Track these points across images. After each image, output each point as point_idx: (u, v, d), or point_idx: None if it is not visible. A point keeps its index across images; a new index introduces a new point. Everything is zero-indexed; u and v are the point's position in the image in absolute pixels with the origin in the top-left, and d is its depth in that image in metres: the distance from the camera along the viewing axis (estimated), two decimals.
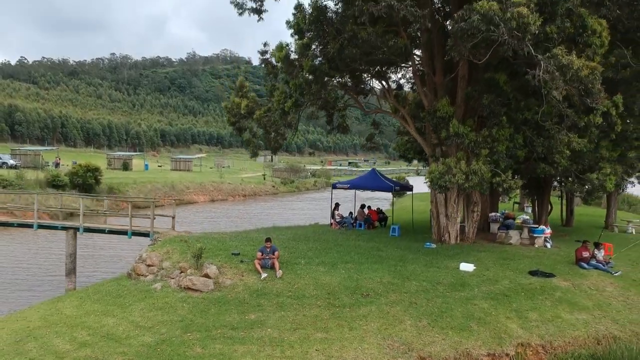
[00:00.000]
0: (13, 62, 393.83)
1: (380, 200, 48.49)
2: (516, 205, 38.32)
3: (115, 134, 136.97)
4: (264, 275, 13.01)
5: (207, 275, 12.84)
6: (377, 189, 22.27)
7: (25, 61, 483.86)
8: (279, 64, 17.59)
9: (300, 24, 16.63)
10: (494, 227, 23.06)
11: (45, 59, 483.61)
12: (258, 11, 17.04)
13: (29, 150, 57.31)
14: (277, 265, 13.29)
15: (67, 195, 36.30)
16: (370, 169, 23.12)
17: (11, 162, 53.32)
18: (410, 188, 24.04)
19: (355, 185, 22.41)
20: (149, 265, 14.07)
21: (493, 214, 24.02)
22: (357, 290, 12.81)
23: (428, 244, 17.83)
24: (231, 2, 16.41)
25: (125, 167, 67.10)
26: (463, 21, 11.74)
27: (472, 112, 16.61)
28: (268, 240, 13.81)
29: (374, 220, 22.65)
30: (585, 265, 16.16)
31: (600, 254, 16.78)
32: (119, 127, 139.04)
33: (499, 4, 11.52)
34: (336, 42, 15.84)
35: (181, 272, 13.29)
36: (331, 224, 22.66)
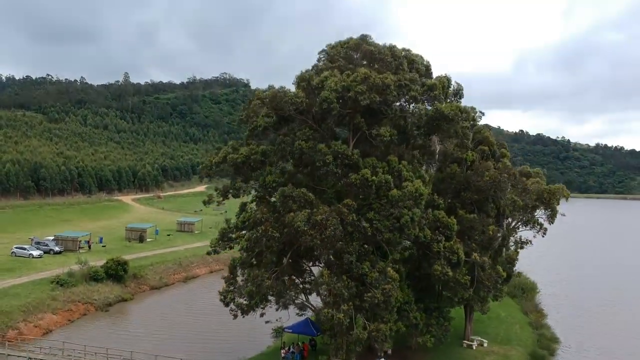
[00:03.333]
0: (17, 77, 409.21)
1: None
2: None
3: (124, 178, 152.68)
4: None
5: None
6: (307, 334, 38.29)
7: (30, 78, 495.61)
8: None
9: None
10: None
11: (49, 76, 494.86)
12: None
13: (69, 236, 72.95)
14: None
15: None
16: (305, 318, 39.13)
17: (56, 248, 69.11)
18: None
19: (295, 330, 38.47)
20: None
21: None
22: None
23: None
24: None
25: (141, 239, 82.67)
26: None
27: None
28: None
29: (306, 351, 38.62)
30: None
31: None
32: (127, 171, 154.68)
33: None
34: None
35: None
36: (282, 350, 38.70)
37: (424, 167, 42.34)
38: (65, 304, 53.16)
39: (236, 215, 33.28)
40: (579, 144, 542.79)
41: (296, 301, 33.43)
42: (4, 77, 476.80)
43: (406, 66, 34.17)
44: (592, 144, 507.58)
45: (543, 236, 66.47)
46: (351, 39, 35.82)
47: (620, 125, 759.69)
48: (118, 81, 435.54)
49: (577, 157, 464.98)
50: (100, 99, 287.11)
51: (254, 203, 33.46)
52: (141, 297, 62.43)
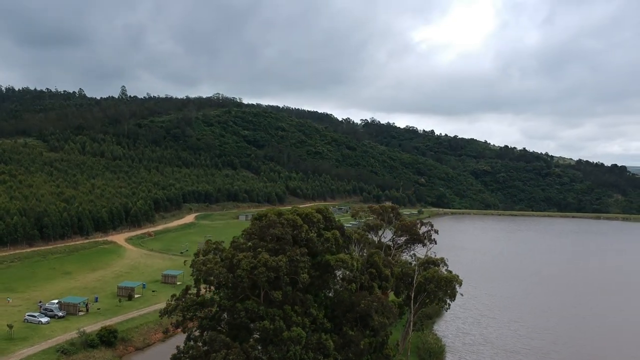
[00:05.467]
0: (17, 87, 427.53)
1: None
2: None
3: (116, 217, 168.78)
4: None
5: None
6: None
7: (28, 89, 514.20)
8: None
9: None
10: None
11: (48, 90, 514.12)
12: None
13: (70, 302, 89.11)
14: None
15: None
16: None
17: (60, 313, 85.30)
18: None
19: None
20: None
21: None
22: None
23: None
24: None
25: (130, 298, 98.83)
26: None
27: None
28: None
29: None
30: None
31: None
32: (120, 210, 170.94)
33: None
34: None
35: None
36: None
37: (336, 279, 58.92)
38: None
39: (184, 343, 49.67)
40: (563, 158, 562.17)
41: None
42: (3, 88, 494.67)
43: (304, 231, 50.78)
44: (588, 146, 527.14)
45: (446, 311, 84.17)
46: (269, 210, 52.55)
47: (613, 128, 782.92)
48: (114, 96, 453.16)
49: (558, 173, 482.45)
50: (97, 125, 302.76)
51: (198, 331, 49.87)
52: (128, 357, 78.72)
